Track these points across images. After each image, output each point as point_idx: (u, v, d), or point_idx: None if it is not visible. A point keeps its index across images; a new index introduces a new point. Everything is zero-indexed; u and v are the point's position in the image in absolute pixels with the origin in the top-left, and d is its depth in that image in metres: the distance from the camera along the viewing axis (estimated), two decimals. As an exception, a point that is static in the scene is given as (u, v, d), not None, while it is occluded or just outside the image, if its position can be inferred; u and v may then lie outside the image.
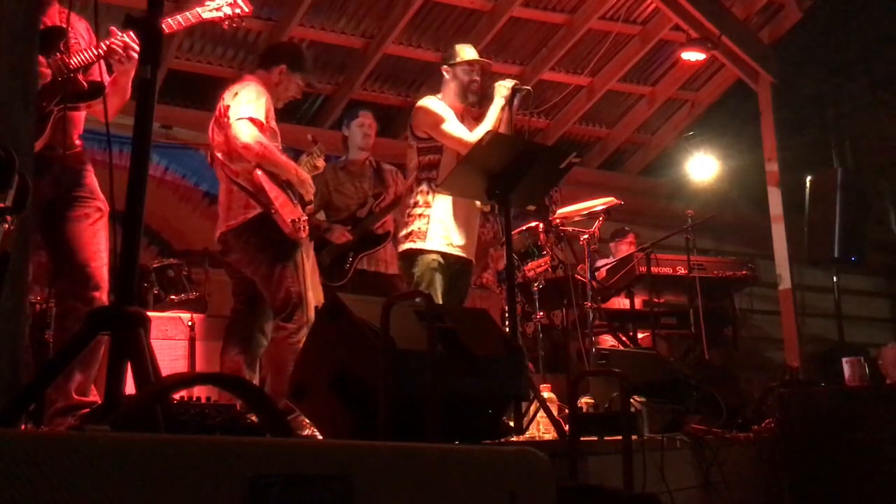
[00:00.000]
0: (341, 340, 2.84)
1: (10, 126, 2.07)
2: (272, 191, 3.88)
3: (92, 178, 3.11)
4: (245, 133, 3.83)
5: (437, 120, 4.28)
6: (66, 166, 2.98)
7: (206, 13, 3.32)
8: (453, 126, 4.27)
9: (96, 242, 3.02)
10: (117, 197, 2.04)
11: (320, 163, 4.33)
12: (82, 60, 2.97)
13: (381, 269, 5.11)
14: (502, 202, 3.88)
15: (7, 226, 1.65)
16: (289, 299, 3.84)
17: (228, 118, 3.90)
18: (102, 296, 3.00)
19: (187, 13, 3.22)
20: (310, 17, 6.62)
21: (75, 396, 2.91)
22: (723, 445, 3.80)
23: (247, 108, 3.88)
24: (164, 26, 3.00)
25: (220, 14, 3.36)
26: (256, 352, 4.02)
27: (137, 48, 2.96)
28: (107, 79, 3.14)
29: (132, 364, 1.79)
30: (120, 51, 2.98)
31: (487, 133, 3.93)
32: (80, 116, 3.14)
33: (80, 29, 3.13)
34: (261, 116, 3.90)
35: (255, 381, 4.00)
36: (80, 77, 2.99)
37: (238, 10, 3.41)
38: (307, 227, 3.99)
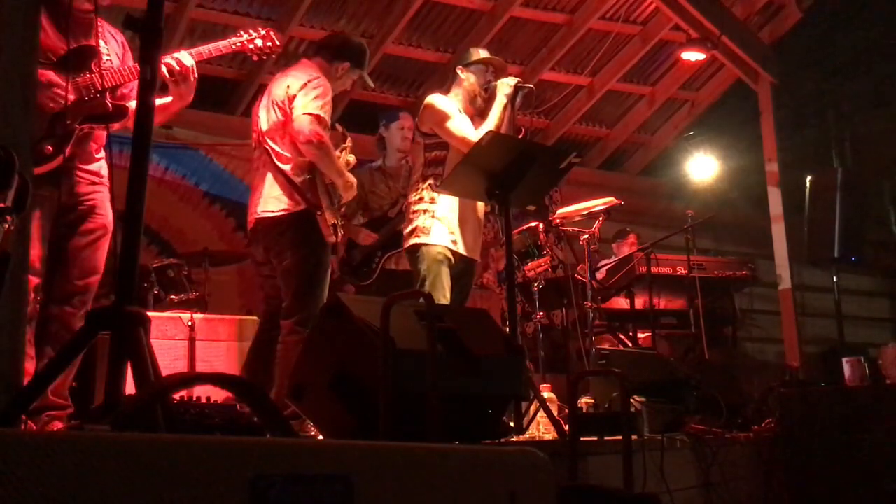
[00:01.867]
0: (341, 340, 2.84)
1: (10, 126, 2.07)
2: (321, 191, 3.87)
3: (105, 198, 3.14)
4: (310, 129, 3.80)
5: (443, 117, 4.27)
6: (82, 180, 3.05)
7: (238, 43, 3.39)
8: (459, 123, 4.26)
9: (95, 259, 3.06)
10: (117, 197, 2.04)
11: (353, 158, 4.32)
12: (111, 81, 3.02)
13: (411, 268, 5.11)
14: (502, 202, 3.88)
15: (7, 226, 1.65)
16: (304, 303, 3.79)
17: (293, 108, 3.87)
18: (88, 307, 3.04)
19: (219, 43, 3.32)
20: (310, 17, 6.62)
21: (51, 397, 2.92)
22: (723, 445, 3.80)
23: (315, 103, 3.85)
24: (193, 55, 3.11)
25: (252, 46, 3.44)
26: None
27: (190, 72, 3.09)
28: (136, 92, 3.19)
29: (132, 364, 1.79)
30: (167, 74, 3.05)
31: (488, 133, 3.92)
32: (103, 132, 3.18)
33: (114, 45, 3.17)
34: (327, 115, 3.88)
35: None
36: (108, 98, 3.03)
37: (269, 44, 3.49)
38: (342, 232, 3.99)
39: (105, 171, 3.14)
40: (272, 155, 3.94)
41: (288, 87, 3.94)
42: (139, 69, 2.99)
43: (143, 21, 2.05)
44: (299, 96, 3.87)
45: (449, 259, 4.21)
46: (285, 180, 3.88)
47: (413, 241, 4.25)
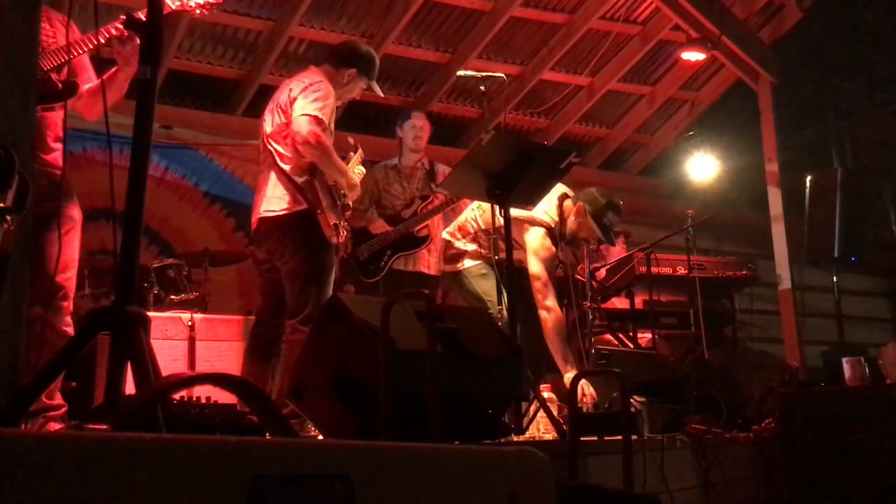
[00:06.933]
0: (341, 340, 2.84)
1: (10, 126, 2.07)
2: (321, 191, 3.89)
3: (68, 184, 3.04)
4: (307, 130, 3.84)
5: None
6: (41, 170, 2.90)
7: (175, 3, 3.27)
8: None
9: (68, 253, 2.97)
10: (117, 197, 2.04)
11: (360, 170, 4.31)
12: (55, 60, 2.97)
13: (422, 270, 5.12)
14: (502, 202, 3.89)
15: (7, 226, 1.65)
16: (308, 301, 3.81)
17: (293, 110, 3.91)
18: (70, 305, 2.99)
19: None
20: (310, 17, 6.62)
21: (43, 399, 2.89)
22: (723, 445, 3.81)
23: (314, 105, 3.90)
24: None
25: (192, 4, 3.27)
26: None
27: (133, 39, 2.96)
28: (92, 76, 3.15)
29: (132, 364, 1.79)
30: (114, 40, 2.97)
31: (488, 132, 3.97)
32: (56, 118, 3.07)
33: (57, 25, 3.08)
34: (325, 117, 3.91)
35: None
36: (55, 77, 2.98)
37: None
38: (345, 233, 4.01)
39: (61, 160, 2.98)
40: (275, 156, 3.99)
41: (290, 90, 4.02)
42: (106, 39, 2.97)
43: (143, 21, 2.05)
44: (299, 99, 3.93)
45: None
46: (287, 180, 3.93)
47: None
